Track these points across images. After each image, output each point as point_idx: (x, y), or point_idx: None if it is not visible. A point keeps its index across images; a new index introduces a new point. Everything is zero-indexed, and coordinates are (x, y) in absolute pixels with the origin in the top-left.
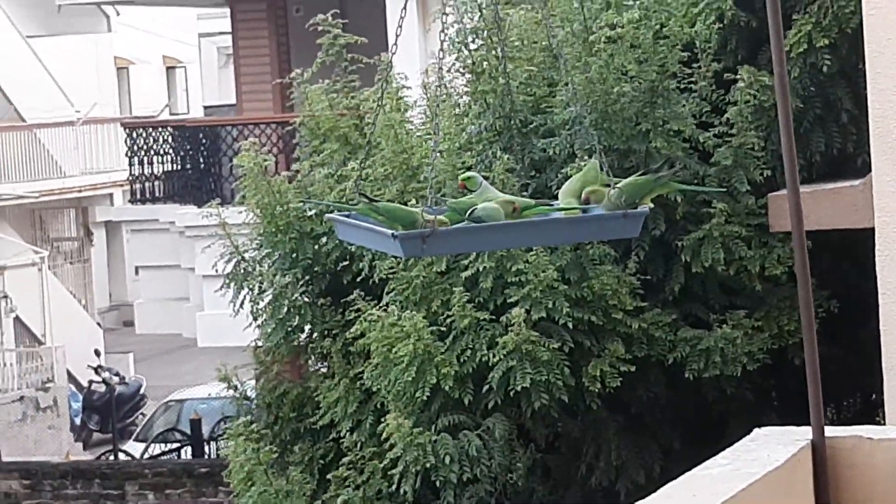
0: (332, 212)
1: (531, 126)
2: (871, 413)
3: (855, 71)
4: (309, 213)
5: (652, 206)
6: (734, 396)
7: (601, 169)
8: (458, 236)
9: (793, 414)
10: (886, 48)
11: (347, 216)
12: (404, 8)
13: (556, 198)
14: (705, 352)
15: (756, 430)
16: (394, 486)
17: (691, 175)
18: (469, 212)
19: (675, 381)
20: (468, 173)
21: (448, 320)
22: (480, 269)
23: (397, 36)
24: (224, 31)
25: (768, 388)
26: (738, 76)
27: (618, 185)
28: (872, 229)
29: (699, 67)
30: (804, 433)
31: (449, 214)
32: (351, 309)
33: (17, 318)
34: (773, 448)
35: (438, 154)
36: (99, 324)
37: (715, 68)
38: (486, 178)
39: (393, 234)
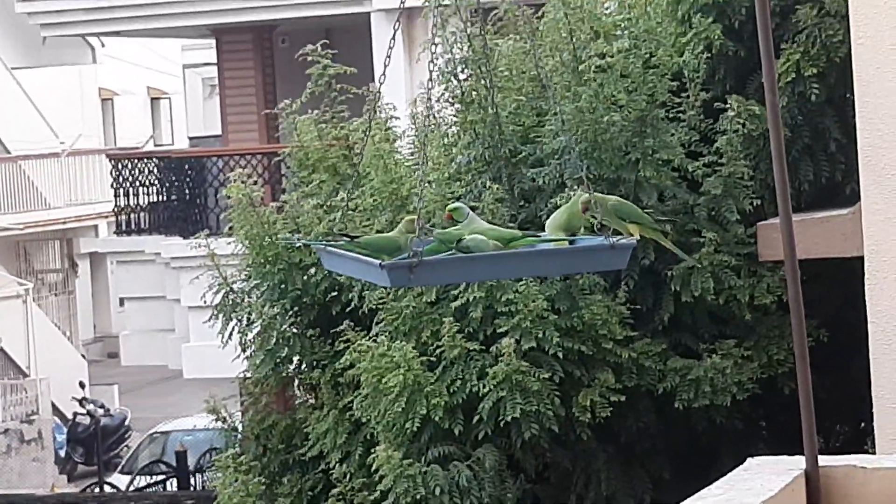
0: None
1: (520, 156)
2: (861, 442)
3: (843, 100)
4: (297, 244)
5: (639, 238)
6: (724, 426)
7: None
8: (446, 266)
9: (783, 443)
10: (874, 77)
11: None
12: (393, 38)
13: (544, 228)
14: (695, 381)
15: (749, 460)
16: None
17: (681, 204)
18: (457, 242)
19: (664, 410)
20: (455, 204)
21: (438, 350)
22: (470, 299)
23: (385, 66)
24: (209, 62)
25: (758, 418)
26: (728, 105)
27: (618, 199)
28: (862, 258)
29: (688, 97)
30: (797, 462)
31: (435, 245)
32: (340, 340)
33: (1, 350)
34: (767, 478)
35: (427, 184)
36: (83, 356)
37: (703, 97)
38: (474, 208)
39: (380, 263)
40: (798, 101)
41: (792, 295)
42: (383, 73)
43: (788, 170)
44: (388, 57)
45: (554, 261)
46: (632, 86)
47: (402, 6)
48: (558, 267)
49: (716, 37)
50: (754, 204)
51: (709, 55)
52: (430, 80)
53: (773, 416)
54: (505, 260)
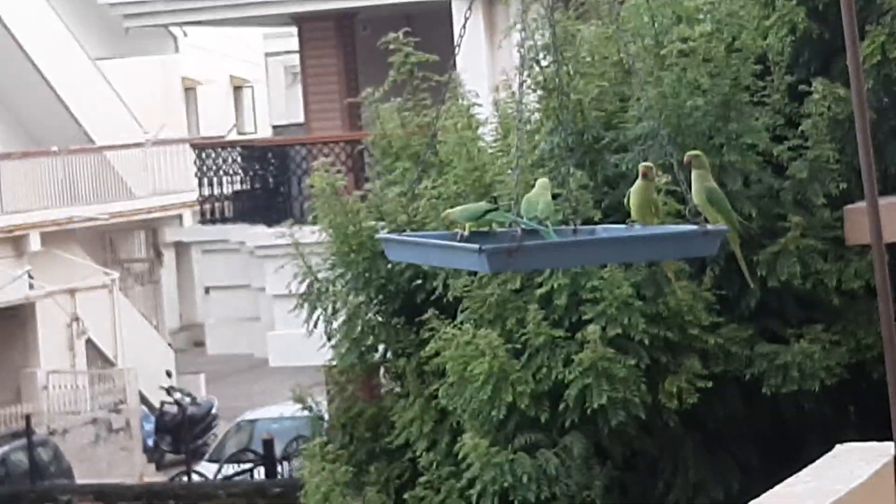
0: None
1: (603, 142)
2: None
3: None
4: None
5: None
6: (812, 412)
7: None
8: (544, 251)
9: (872, 429)
10: None
11: (408, 235)
12: (463, 27)
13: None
14: (783, 367)
15: (838, 447)
16: None
17: (766, 189)
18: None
19: (752, 396)
20: None
21: (523, 338)
22: (555, 286)
23: (455, 56)
24: (291, 49)
25: (846, 403)
26: (812, 88)
27: (714, 186)
28: None
29: (772, 80)
30: (886, 449)
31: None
32: (425, 328)
33: (88, 341)
34: (855, 465)
35: (510, 171)
36: (170, 345)
37: (788, 81)
38: (557, 195)
39: (480, 248)
40: (884, 84)
41: (879, 279)
42: (453, 64)
43: (874, 153)
44: (458, 46)
45: (648, 246)
46: (715, 70)
47: None
48: (652, 252)
49: (800, 19)
50: (840, 187)
51: (793, 38)
52: (522, 66)
53: (862, 402)
54: (600, 245)
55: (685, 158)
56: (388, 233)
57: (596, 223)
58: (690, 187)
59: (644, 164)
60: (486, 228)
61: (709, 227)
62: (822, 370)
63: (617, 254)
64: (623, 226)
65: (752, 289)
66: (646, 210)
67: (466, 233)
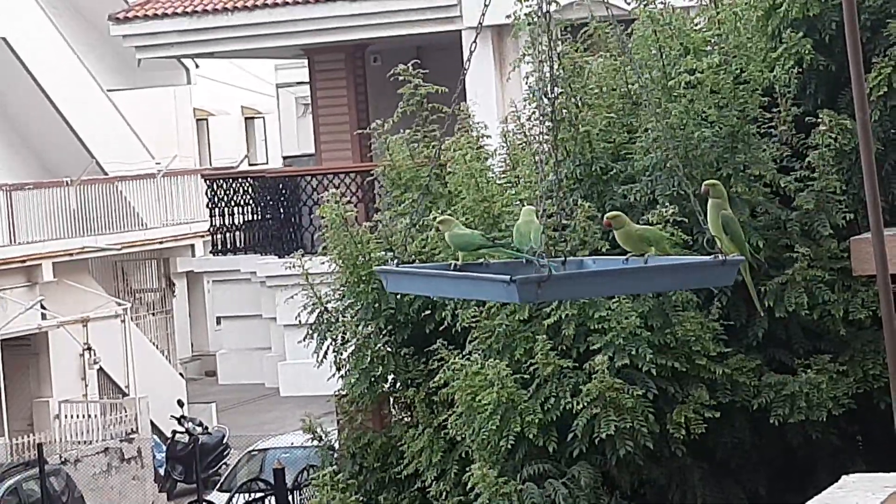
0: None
1: (611, 173)
2: None
3: None
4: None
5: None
6: (820, 441)
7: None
8: (572, 282)
9: (880, 459)
10: None
11: (412, 266)
12: (468, 60)
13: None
14: (790, 397)
15: (844, 477)
16: None
17: (773, 220)
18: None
19: (759, 426)
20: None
21: (531, 368)
22: (563, 316)
23: (457, 91)
24: (302, 81)
25: (854, 433)
26: (819, 120)
27: (731, 216)
28: None
29: (779, 112)
30: (892, 479)
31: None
32: (434, 358)
33: (100, 370)
34: (862, 496)
35: (519, 202)
36: (181, 374)
37: (795, 112)
38: (566, 226)
39: (511, 278)
40: (890, 115)
41: (884, 309)
42: (458, 93)
43: (881, 184)
44: (462, 81)
45: (667, 276)
46: (722, 101)
47: (479, 28)
48: (671, 282)
49: (806, 51)
50: (847, 218)
51: (799, 70)
52: (548, 95)
53: (869, 431)
54: (623, 276)
55: (703, 188)
56: (388, 264)
57: (603, 254)
58: (706, 217)
59: (607, 217)
60: (480, 260)
61: (727, 256)
62: (829, 400)
63: (639, 284)
64: (618, 257)
65: (759, 319)
66: (638, 246)
67: (460, 262)
